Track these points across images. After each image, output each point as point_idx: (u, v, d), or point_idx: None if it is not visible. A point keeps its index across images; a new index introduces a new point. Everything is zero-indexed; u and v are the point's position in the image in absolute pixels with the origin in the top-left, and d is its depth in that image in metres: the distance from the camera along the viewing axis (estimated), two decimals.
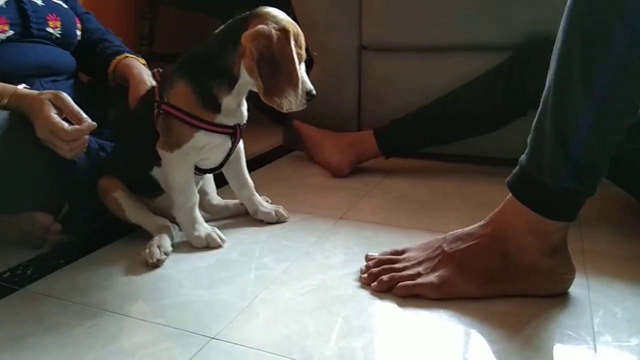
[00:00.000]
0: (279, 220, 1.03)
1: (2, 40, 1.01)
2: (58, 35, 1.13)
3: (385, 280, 0.76)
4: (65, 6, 1.19)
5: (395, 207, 1.12)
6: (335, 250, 0.91)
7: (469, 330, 0.67)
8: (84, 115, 0.88)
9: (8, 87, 0.90)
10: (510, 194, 0.72)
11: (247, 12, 0.86)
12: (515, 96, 1.21)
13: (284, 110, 0.83)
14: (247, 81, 0.86)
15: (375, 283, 0.77)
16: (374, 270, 0.79)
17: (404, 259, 0.80)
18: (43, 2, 1.12)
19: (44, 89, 1.04)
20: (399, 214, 1.08)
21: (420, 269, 0.76)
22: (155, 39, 1.99)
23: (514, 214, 0.72)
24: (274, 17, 0.84)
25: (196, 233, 0.92)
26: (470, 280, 0.73)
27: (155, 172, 0.94)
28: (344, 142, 1.36)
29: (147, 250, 0.86)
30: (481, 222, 0.76)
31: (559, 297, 0.74)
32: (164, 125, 0.88)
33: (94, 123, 0.88)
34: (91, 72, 1.28)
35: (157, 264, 0.85)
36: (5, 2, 1.03)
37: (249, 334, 0.66)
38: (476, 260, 0.73)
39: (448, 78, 1.35)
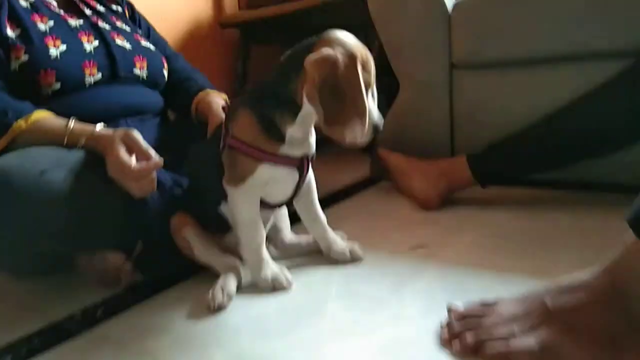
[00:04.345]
0: (353, 259, 0.94)
1: (91, 83, 1.06)
2: (145, 76, 1.17)
3: (469, 339, 0.62)
4: (153, 48, 1.24)
5: (492, 246, 0.96)
6: (414, 297, 0.79)
7: None
8: (152, 152, 0.88)
9: (87, 127, 0.93)
10: (634, 235, 0.56)
11: (314, 37, 0.80)
12: None
13: (347, 142, 0.74)
14: (311, 110, 0.79)
15: (457, 342, 0.63)
16: (457, 325, 0.65)
17: (495, 313, 0.65)
18: (131, 45, 1.17)
19: (130, 127, 1.07)
20: (495, 253, 0.92)
21: (515, 328, 0.61)
22: (249, 76, 2.03)
23: None
24: (340, 40, 0.77)
25: (262, 274, 0.86)
26: (581, 348, 0.56)
27: (224, 208, 0.90)
28: (433, 170, 1.23)
29: (211, 293, 0.82)
30: (596, 270, 0.60)
31: None
32: (228, 159, 0.84)
33: (161, 160, 0.87)
34: (177, 110, 1.31)
35: (219, 308, 0.80)
36: (95, 48, 1.08)
37: None
38: (590, 321, 0.57)
39: (557, 93, 1.16)
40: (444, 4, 1.32)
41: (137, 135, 0.88)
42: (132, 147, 0.88)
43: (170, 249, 0.95)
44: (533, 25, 1.20)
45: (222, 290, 0.82)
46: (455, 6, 1.32)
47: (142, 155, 0.87)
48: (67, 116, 0.98)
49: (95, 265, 0.92)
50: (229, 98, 1.24)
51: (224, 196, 0.88)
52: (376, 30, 1.47)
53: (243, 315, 0.79)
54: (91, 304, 0.87)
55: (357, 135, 0.74)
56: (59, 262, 0.97)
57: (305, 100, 0.78)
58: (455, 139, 1.39)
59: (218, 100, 1.20)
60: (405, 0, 1.37)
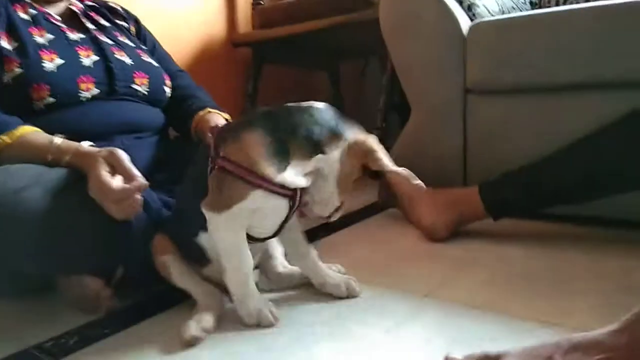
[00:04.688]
0: (349, 294, 0.86)
1: (88, 98, 1.02)
2: (145, 92, 1.13)
3: None
4: (156, 64, 1.20)
5: (502, 285, 0.88)
6: (410, 341, 0.71)
7: None
8: (137, 173, 0.83)
9: (72, 144, 0.89)
10: None
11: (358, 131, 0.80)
12: None
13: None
14: (330, 162, 0.77)
15: None
16: None
17: None
18: (132, 60, 1.13)
19: (124, 145, 1.03)
20: (505, 294, 0.84)
21: None
22: (259, 95, 2.00)
23: None
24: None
25: (246, 308, 0.79)
26: None
27: (202, 238, 0.84)
28: (442, 199, 1.15)
29: (184, 326, 0.75)
30: (613, 327, 0.52)
31: None
32: (215, 182, 0.78)
33: (145, 182, 0.82)
34: (178, 128, 1.27)
35: (191, 343, 0.74)
36: (94, 62, 1.05)
37: None
38: None
39: (577, 122, 1.09)
40: (458, 26, 1.27)
41: (122, 154, 0.84)
42: (116, 167, 0.83)
43: (153, 275, 0.89)
44: (553, 51, 1.14)
45: (197, 323, 0.76)
46: (470, 29, 1.26)
47: (126, 176, 0.82)
48: (61, 131, 0.94)
49: (73, 289, 0.87)
50: (238, 117, 1.19)
51: (203, 225, 0.81)
52: (388, 51, 1.42)
53: (216, 354, 0.72)
54: (64, 332, 0.82)
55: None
56: (38, 283, 0.93)
57: (331, 152, 0.76)
58: (468, 166, 1.31)
59: (218, 119, 1.15)
60: (419, 22, 1.32)
